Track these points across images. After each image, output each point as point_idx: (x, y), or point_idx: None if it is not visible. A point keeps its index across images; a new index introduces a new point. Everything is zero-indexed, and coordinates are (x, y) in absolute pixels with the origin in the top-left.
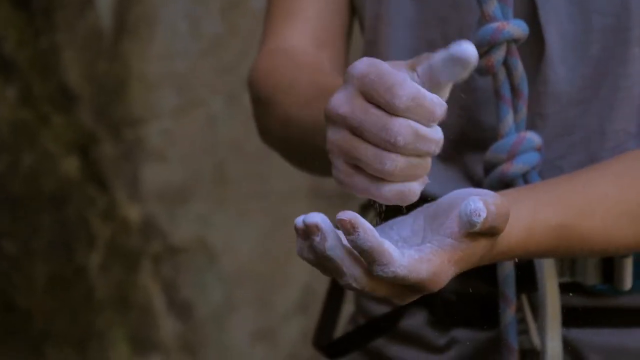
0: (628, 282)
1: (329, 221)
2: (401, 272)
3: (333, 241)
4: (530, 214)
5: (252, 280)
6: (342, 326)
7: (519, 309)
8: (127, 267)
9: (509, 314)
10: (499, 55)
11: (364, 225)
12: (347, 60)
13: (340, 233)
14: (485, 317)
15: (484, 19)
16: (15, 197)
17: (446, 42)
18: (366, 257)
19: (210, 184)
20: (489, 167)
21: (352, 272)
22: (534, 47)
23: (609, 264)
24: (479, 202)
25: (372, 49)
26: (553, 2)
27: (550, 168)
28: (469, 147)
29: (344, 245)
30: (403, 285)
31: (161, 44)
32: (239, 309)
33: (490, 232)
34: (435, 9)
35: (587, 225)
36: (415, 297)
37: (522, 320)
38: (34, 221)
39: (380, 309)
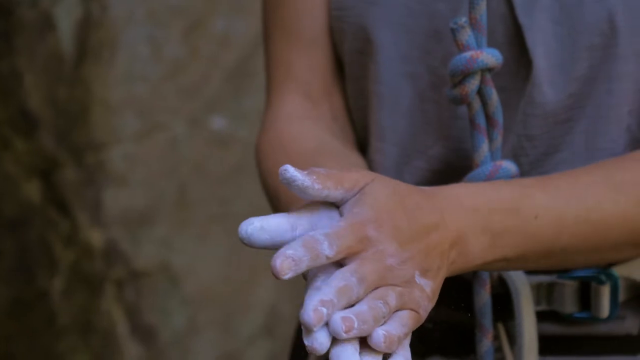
0: (605, 310)
1: None
2: None
3: None
4: (481, 189)
5: (216, 303)
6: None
7: (496, 337)
8: (90, 292)
9: (485, 343)
10: (473, 84)
11: None
12: (347, 99)
13: None
14: (461, 345)
15: (457, 48)
16: None
17: (430, 74)
18: None
19: (173, 208)
20: None
21: None
22: (521, 69)
23: (586, 292)
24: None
25: (357, 85)
26: (539, 23)
27: None
28: (454, 178)
29: None
30: None
31: (122, 68)
32: (203, 333)
33: None
34: (418, 42)
35: (545, 194)
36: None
37: (498, 349)
38: None
39: None
